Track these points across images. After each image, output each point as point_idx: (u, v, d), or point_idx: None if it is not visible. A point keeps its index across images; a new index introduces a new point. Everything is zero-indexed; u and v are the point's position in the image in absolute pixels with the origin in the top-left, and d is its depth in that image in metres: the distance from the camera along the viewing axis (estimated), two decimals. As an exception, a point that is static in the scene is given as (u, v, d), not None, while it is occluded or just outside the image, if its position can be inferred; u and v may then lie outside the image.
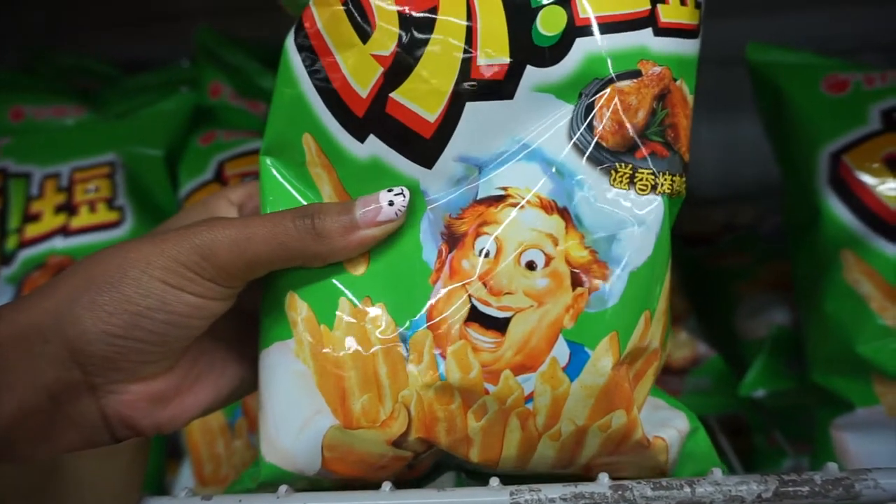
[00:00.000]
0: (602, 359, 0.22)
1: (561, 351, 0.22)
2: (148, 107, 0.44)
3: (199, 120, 0.46)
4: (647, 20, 0.23)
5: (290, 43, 0.23)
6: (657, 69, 0.23)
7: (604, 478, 0.23)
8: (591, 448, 0.23)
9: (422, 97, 0.22)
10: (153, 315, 0.21)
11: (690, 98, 0.24)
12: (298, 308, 0.23)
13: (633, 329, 0.23)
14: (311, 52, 0.23)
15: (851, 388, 0.35)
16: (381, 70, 0.22)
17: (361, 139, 0.22)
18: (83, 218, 0.40)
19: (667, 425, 0.24)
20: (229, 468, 0.38)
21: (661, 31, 0.23)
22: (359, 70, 0.22)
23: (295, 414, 0.23)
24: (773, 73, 0.40)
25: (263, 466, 0.23)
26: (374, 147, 0.22)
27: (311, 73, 0.23)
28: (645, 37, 0.23)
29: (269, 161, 0.24)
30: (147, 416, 0.23)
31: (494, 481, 0.23)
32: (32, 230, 0.40)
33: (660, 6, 0.23)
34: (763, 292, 0.48)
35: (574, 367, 0.22)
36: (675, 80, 0.23)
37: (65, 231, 0.40)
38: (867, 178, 0.36)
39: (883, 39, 0.51)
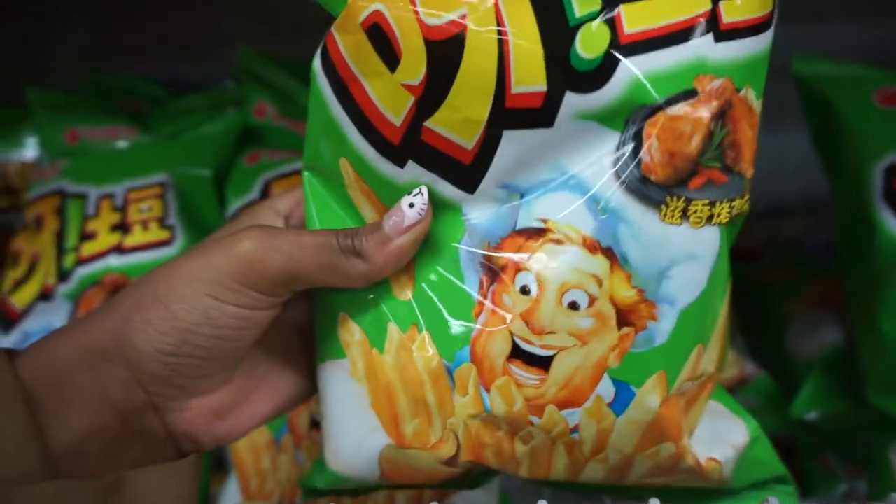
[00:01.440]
0: (649, 396, 0.22)
1: (606, 389, 0.22)
2: (196, 128, 0.45)
3: (244, 140, 0.46)
4: (707, 25, 0.20)
5: (317, 65, 0.22)
6: (717, 83, 0.20)
7: (654, 502, 0.23)
8: (639, 471, 0.23)
9: (457, 126, 0.21)
10: (201, 330, 0.21)
11: (757, 105, 0.21)
12: (352, 330, 0.23)
13: (682, 365, 0.22)
14: (338, 77, 0.22)
15: None
16: (412, 99, 0.21)
17: (401, 165, 0.21)
18: (136, 236, 0.41)
19: (722, 441, 0.23)
20: (275, 483, 0.38)
21: (724, 35, 0.20)
22: (389, 99, 0.21)
23: (353, 429, 0.23)
24: (821, 86, 0.39)
25: (328, 473, 0.24)
26: (414, 172, 0.22)
27: (341, 99, 0.22)
28: (704, 46, 0.20)
29: (308, 175, 0.24)
30: (207, 430, 0.23)
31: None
32: (88, 249, 0.41)
33: (722, 3, 0.20)
34: (812, 310, 0.47)
35: (620, 404, 0.22)
36: (738, 90, 0.20)
37: (119, 249, 0.41)
38: (923, 194, 0.35)
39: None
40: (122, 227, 0.41)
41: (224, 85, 0.54)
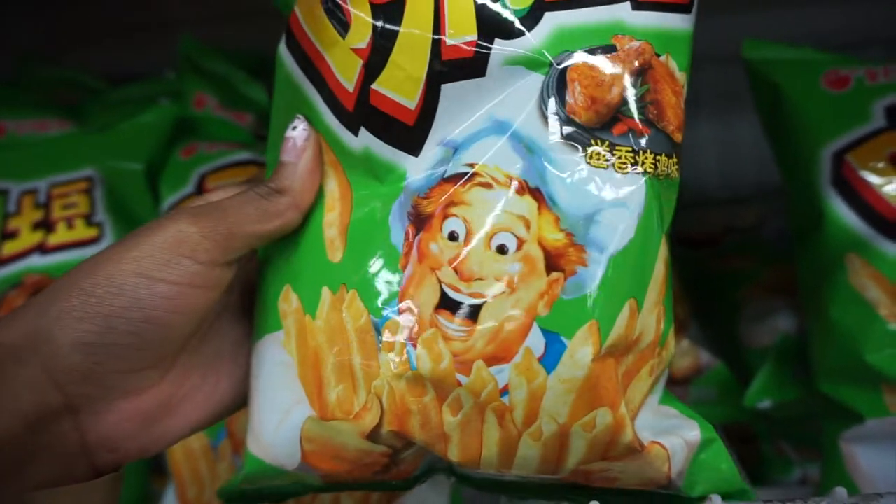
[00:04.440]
0: (580, 349, 0.21)
1: (535, 341, 0.21)
2: (127, 119, 0.42)
3: (182, 132, 0.45)
4: None
5: (283, 49, 0.24)
6: (635, 44, 0.22)
7: None
8: (577, 451, 0.22)
9: (400, 85, 0.22)
10: (128, 314, 0.20)
11: (681, 75, 0.23)
12: (290, 300, 0.23)
13: (615, 318, 0.22)
14: (303, 53, 0.23)
15: (860, 398, 0.34)
16: (361, 63, 0.22)
17: (355, 132, 0.23)
18: (60, 235, 0.40)
19: (672, 433, 0.23)
20: (213, 492, 0.36)
21: (641, 5, 0.22)
22: (343, 65, 0.23)
23: (277, 404, 0.23)
24: (770, 70, 0.39)
25: (248, 460, 0.24)
26: (365, 139, 0.23)
27: (308, 73, 0.23)
28: (621, 11, 0.22)
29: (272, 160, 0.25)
30: (133, 437, 0.22)
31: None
32: (9, 248, 0.39)
33: None
34: (767, 297, 0.47)
35: (550, 358, 0.21)
36: (658, 55, 0.22)
37: (42, 248, 0.39)
38: (872, 178, 0.35)
39: (886, 33, 0.49)
40: (46, 225, 0.40)
41: (165, 75, 0.52)
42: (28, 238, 0.39)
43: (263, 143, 0.45)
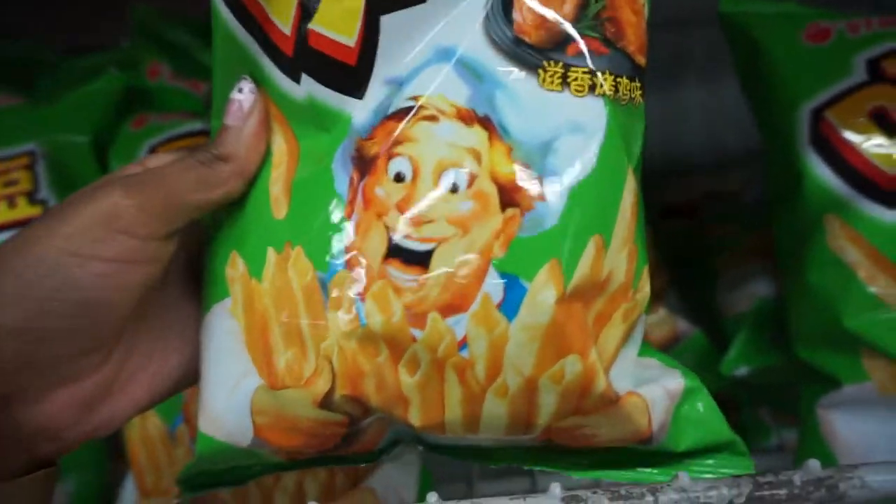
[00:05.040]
0: (542, 292, 0.20)
1: (493, 285, 0.20)
2: (72, 89, 0.40)
3: (135, 104, 0.43)
4: None
5: (218, 1, 0.22)
6: None
7: (555, 489, 0.21)
8: (547, 406, 0.21)
9: (337, 22, 0.21)
10: (61, 296, 0.19)
11: None
12: (237, 264, 0.22)
13: (579, 256, 0.20)
14: (239, 2, 0.22)
15: (838, 363, 0.33)
16: (296, 1, 0.21)
17: (297, 80, 0.21)
18: (2, 214, 0.38)
19: (650, 382, 0.22)
20: (171, 478, 0.35)
21: None
22: (279, 7, 0.21)
23: (226, 376, 0.22)
24: (748, 24, 0.37)
25: (199, 439, 0.22)
26: (308, 86, 0.21)
27: (242, 21, 0.22)
28: None
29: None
30: (74, 424, 0.21)
31: (432, 496, 0.20)
32: (-51, 229, 0.37)
33: None
34: (745, 263, 0.46)
35: (510, 304, 0.20)
36: None
37: None
38: (852, 136, 0.33)
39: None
40: None
41: (118, 45, 0.49)
42: None
43: None
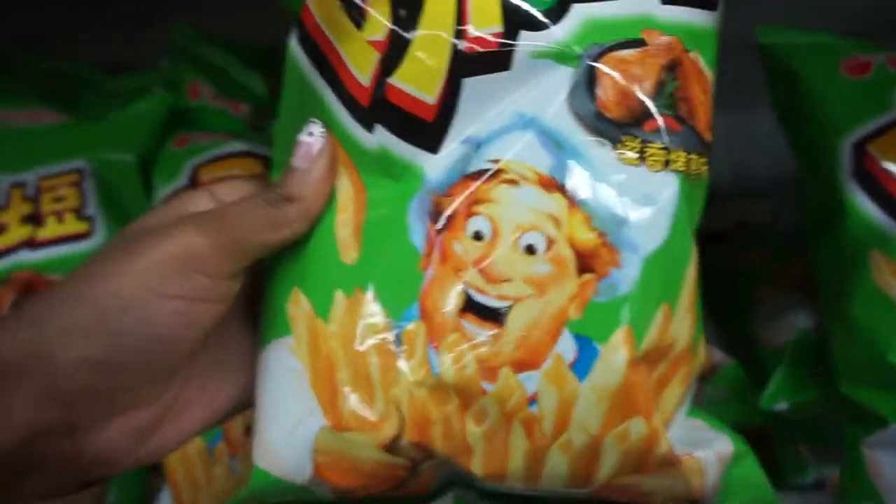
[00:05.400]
0: (614, 354, 0.21)
1: (566, 346, 0.21)
2: (120, 109, 0.41)
3: (176, 123, 0.44)
4: None
5: (293, 43, 0.23)
6: (665, 38, 0.22)
7: None
8: (609, 463, 0.22)
9: (419, 79, 0.21)
10: (136, 332, 0.19)
11: (709, 73, 0.23)
12: (300, 303, 0.22)
13: (649, 323, 0.21)
14: (316, 48, 0.23)
15: (884, 401, 0.33)
16: (377, 56, 0.22)
17: (370, 129, 0.22)
18: (50, 229, 0.38)
19: (704, 446, 0.22)
20: (209, 497, 0.36)
21: (669, 0, 0.22)
22: (358, 58, 0.22)
23: (287, 414, 0.22)
24: (787, 56, 0.37)
25: (254, 473, 0.22)
26: (381, 136, 0.22)
27: (320, 68, 0.23)
28: (649, 4, 0.22)
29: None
30: (128, 452, 0.21)
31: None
32: (-2, 243, 0.38)
33: None
34: (783, 294, 0.46)
35: (582, 364, 0.21)
36: (687, 51, 0.22)
37: (31, 243, 0.38)
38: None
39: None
40: (35, 219, 0.39)
41: (160, 65, 0.51)
42: (17, 233, 0.38)
43: (259, 134, 0.44)
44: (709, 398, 0.43)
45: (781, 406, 0.39)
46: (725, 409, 0.42)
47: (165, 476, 0.36)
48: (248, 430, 0.35)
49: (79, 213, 0.39)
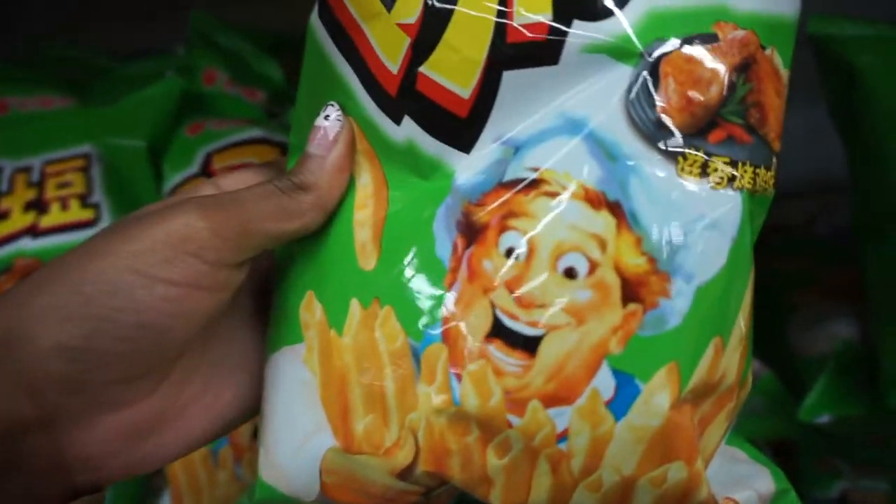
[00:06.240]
0: (657, 395, 0.19)
1: (605, 382, 0.19)
2: (130, 94, 0.39)
3: (190, 110, 0.43)
4: None
5: (314, 19, 0.22)
6: (739, 33, 0.19)
7: None
8: None
9: (453, 70, 0.20)
10: (122, 317, 0.18)
11: (784, 73, 0.21)
12: (314, 309, 0.21)
13: (699, 359, 0.19)
14: (339, 27, 0.21)
15: None
16: (408, 41, 0.20)
17: (397, 121, 0.20)
18: (54, 216, 0.37)
19: (743, 485, 0.21)
20: (211, 502, 0.34)
21: None
22: (387, 43, 0.20)
23: (295, 428, 0.21)
24: (842, 47, 0.35)
25: (259, 487, 0.22)
26: (409, 130, 0.20)
27: (343, 49, 0.21)
28: None
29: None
30: (118, 455, 0.20)
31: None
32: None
33: None
34: (822, 301, 0.44)
35: (621, 402, 0.19)
36: (763, 48, 0.20)
37: (34, 231, 0.37)
38: (963, 168, 0.30)
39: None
40: (39, 206, 0.37)
41: (174, 51, 0.49)
42: (19, 219, 0.37)
43: (276, 121, 0.42)
44: (743, 409, 0.41)
45: (823, 419, 0.38)
46: (760, 421, 0.41)
47: (166, 479, 0.35)
48: (255, 435, 0.33)
49: (84, 201, 0.37)
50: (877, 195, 0.34)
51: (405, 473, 0.20)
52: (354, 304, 0.20)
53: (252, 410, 0.22)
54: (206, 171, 0.38)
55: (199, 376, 0.21)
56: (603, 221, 0.19)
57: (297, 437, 0.21)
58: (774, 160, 0.21)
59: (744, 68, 0.19)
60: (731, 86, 0.19)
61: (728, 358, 0.20)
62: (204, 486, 0.34)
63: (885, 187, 0.33)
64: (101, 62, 0.49)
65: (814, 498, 0.42)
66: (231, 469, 0.34)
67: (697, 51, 0.19)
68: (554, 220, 0.19)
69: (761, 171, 0.20)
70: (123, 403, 0.19)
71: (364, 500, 0.21)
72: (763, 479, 0.21)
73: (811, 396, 0.38)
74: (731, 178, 0.19)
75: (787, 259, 0.48)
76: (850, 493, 0.41)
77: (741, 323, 0.20)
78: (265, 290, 0.23)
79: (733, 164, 0.19)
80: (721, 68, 0.19)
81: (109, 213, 0.37)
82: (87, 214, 0.37)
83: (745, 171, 0.19)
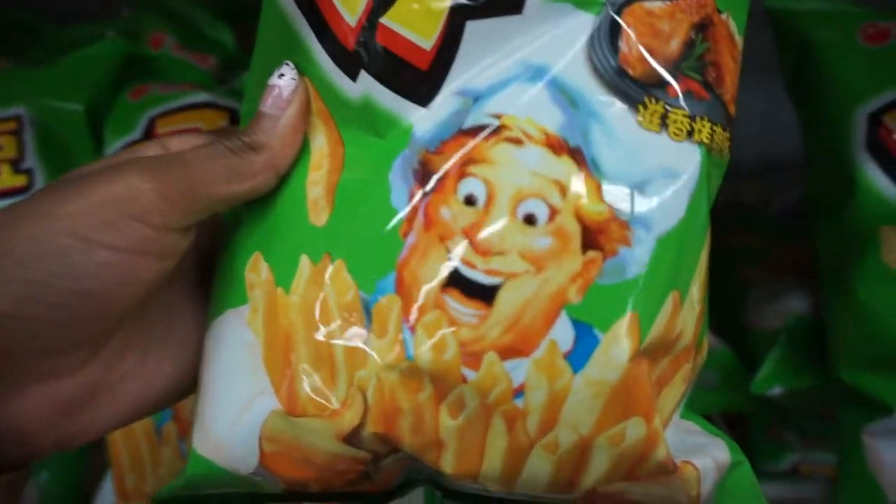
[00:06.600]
0: (616, 346, 0.19)
1: (563, 332, 0.19)
2: (67, 54, 0.37)
3: (134, 73, 0.41)
4: None
5: None
6: None
7: None
8: (598, 468, 0.20)
9: (415, 20, 0.19)
10: (56, 283, 0.17)
11: (739, 39, 0.21)
12: (260, 269, 0.20)
13: (657, 312, 0.19)
14: None
15: (888, 387, 0.32)
16: None
17: (353, 77, 0.20)
18: None
19: (701, 452, 0.21)
20: (156, 480, 0.33)
21: None
22: None
23: (236, 394, 0.20)
24: (799, 21, 0.36)
25: (192, 459, 0.21)
26: (365, 85, 0.20)
27: (301, 7, 0.20)
28: None
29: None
30: (48, 428, 0.19)
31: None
32: (-74, 199, 0.34)
33: None
34: (776, 278, 0.45)
35: (579, 354, 0.19)
36: (719, 11, 0.20)
37: None
38: (913, 143, 0.31)
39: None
40: None
41: (122, 14, 0.47)
42: None
43: (226, 87, 0.40)
44: (697, 383, 0.41)
45: (775, 391, 0.39)
46: (714, 395, 0.41)
47: (108, 457, 0.34)
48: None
49: (16, 166, 0.36)
50: (828, 169, 0.34)
51: (352, 437, 0.19)
52: (304, 261, 0.20)
53: (193, 383, 0.21)
54: (150, 136, 0.36)
55: (137, 347, 0.20)
56: (564, 168, 0.19)
57: (237, 404, 0.20)
58: (730, 124, 0.21)
59: (702, 28, 0.20)
60: (690, 42, 0.19)
61: (685, 315, 0.20)
62: (147, 463, 0.33)
63: (836, 161, 0.33)
64: (41, 25, 0.48)
65: (765, 471, 0.43)
66: (175, 445, 0.33)
67: (658, 5, 0.19)
68: (514, 165, 0.19)
69: (718, 129, 0.20)
70: (54, 374, 0.19)
71: (305, 471, 0.20)
72: (719, 449, 0.21)
73: (763, 369, 0.38)
74: (690, 132, 0.19)
75: (741, 235, 0.49)
76: (801, 465, 0.43)
77: (697, 282, 0.20)
78: (209, 259, 0.22)
79: (692, 118, 0.19)
80: (680, 24, 0.19)
81: (43, 179, 0.36)
82: (19, 180, 0.35)
83: (703, 126, 0.20)
